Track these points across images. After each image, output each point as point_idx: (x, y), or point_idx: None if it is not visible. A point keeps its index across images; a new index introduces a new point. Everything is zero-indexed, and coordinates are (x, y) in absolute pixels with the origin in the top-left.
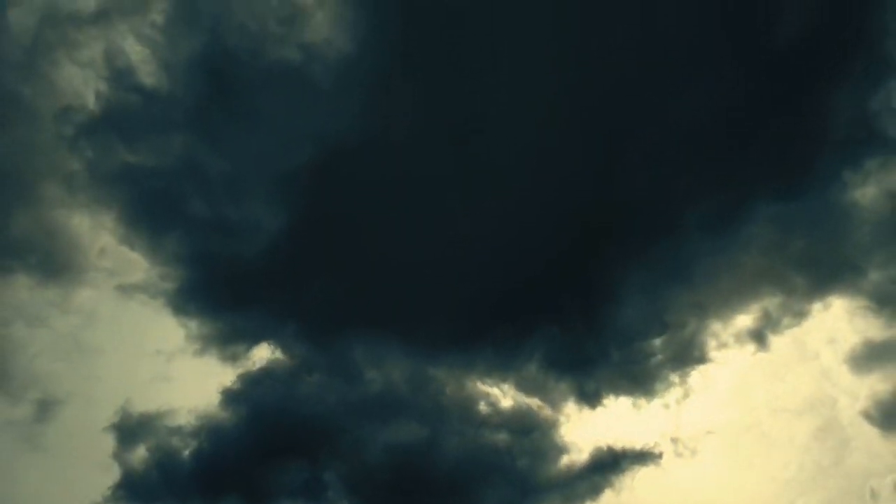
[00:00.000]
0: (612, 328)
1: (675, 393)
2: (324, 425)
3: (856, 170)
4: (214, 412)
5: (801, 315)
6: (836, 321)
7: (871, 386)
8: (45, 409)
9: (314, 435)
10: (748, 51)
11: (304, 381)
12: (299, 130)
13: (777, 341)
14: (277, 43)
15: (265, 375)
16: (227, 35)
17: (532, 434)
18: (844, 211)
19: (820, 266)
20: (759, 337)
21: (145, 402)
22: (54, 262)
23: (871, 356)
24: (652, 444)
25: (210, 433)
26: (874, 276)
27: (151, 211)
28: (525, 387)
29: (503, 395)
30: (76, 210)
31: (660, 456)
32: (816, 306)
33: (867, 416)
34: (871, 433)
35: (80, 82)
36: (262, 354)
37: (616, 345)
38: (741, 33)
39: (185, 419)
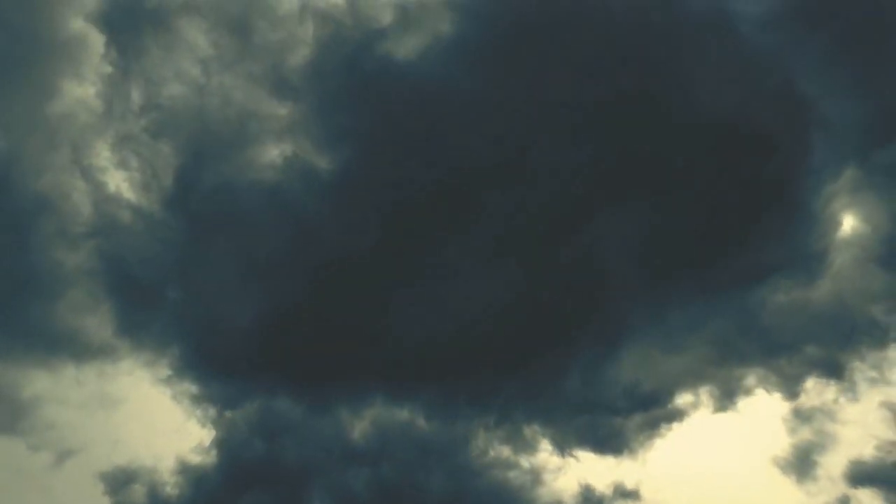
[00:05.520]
0: (592, 386)
1: (644, 448)
2: (309, 470)
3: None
4: (205, 461)
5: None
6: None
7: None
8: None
9: (300, 476)
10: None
11: (291, 432)
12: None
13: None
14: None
15: (255, 427)
16: (205, 150)
17: (512, 479)
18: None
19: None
20: (720, 403)
21: (140, 455)
22: (73, 349)
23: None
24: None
25: (202, 479)
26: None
27: (145, 303)
28: (503, 434)
29: (484, 442)
30: (88, 307)
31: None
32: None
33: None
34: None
35: (80, 199)
36: (253, 410)
37: (590, 401)
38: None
39: (178, 468)
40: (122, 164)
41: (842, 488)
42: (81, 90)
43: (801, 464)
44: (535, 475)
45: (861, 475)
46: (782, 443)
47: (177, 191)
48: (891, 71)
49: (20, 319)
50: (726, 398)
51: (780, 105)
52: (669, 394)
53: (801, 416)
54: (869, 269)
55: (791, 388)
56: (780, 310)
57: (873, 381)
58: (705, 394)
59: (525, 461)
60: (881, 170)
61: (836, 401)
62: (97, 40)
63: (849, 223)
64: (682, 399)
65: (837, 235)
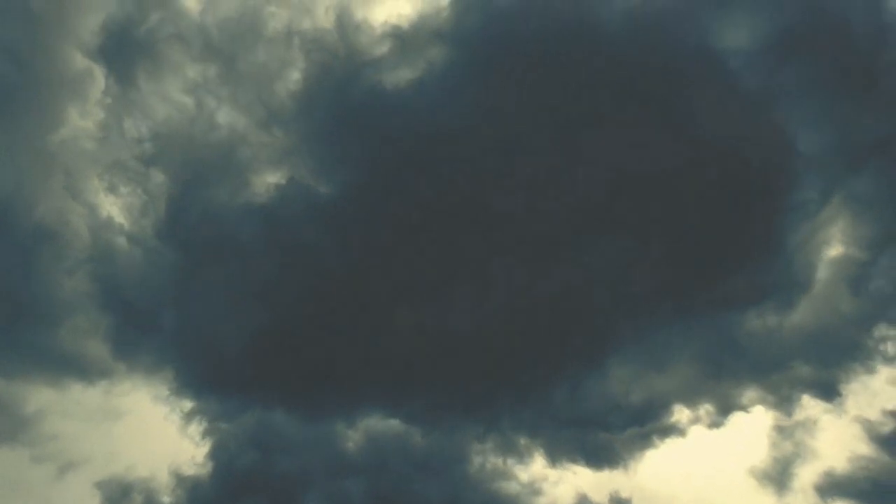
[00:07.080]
0: (584, 402)
1: (636, 460)
2: (304, 482)
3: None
4: (201, 473)
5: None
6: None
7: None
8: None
9: (295, 488)
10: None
11: (286, 444)
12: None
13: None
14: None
15: (251, 440)
16: (200, 177)
17: (507, 489)
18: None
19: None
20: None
21: (138, 467)
22: (74, 370)
23: (784, 436)
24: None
25: (198, 490)
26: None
27: (142, 326)
28: (497, 447)
29: (481, 455)
30: (87, 330)
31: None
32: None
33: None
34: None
35: (80, 228)
36: (249, 423)
37: (583, 416)
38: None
39: (175, 480)
40: (117, 191)
41: (817, 499)
42: (83, 122)
43: (781, 476)
44: (531, 486)
45: (834, 487)
46: (764, 456)
47: (172, 217)
48: (860, 101)
49: (23, 341)
50: (720, 414)
51: (763, 135)
52: (661, 409)
53: (785, 432)
54: (849, 294)
55: (786, 407)
56: (765, 332)
57: (857, 400)
58: (688, 411)
59: (523, 473)
60: (859, 197)
61: (816, 421)
62: (98, 73)
63: (830, 250)
64: (677, 415)
65: (820, 261)
